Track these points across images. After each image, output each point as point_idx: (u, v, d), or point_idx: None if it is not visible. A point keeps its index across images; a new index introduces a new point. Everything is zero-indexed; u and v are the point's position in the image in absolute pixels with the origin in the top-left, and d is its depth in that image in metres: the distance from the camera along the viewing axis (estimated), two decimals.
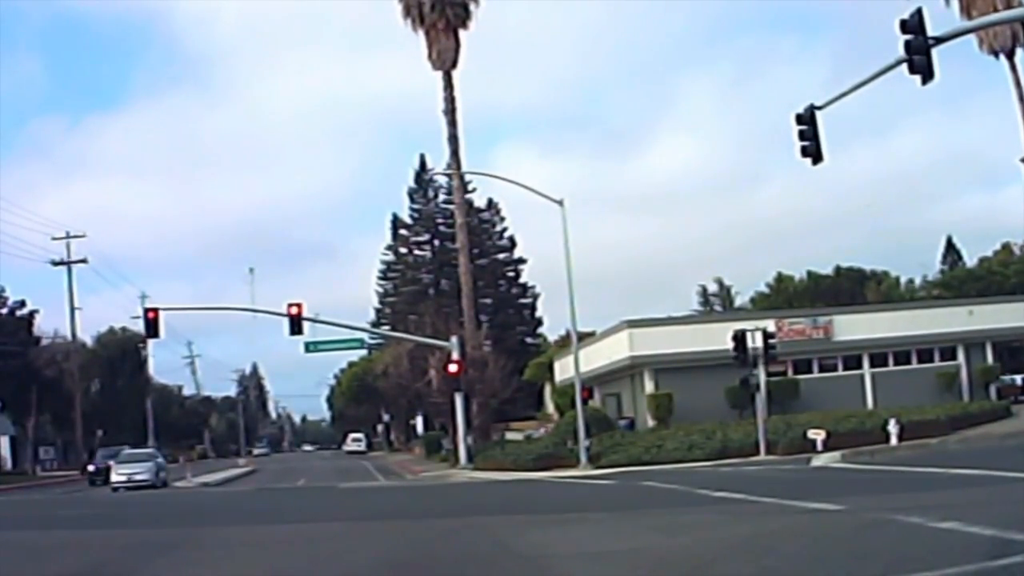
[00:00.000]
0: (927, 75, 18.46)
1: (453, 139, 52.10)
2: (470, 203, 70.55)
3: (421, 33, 51.93)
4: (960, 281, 65.53)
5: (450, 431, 50.39)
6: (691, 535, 12.67)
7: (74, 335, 66.70)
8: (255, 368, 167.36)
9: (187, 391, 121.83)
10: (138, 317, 65.54)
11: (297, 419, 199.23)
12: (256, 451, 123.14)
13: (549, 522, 15.73)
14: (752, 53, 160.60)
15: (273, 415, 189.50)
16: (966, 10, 46.21)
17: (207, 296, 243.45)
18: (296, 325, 40.03)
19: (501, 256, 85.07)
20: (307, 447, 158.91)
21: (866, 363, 47.38)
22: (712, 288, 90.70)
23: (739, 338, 34.34)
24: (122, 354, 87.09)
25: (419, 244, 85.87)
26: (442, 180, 76.45)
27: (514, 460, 38.78)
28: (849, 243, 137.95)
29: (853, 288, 70.73)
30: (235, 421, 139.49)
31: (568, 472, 34.26)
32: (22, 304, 66.12)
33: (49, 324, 71.74)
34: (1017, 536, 9.78)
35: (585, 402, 39.66)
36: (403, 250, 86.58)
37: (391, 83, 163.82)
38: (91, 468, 53.06)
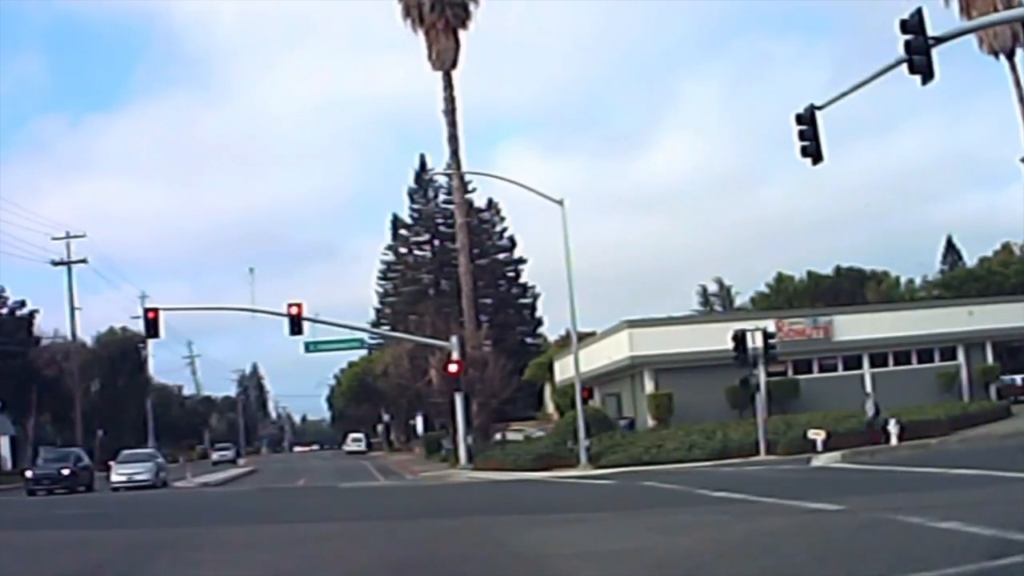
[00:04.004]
0: (927, 75, 18.45)
1: (453, 139, 52.12)
2: (470, 203, 70.53)
3: (421, 33, 51.96)
4: (960, 281, 65.59)
5: (450, 431, 50.39)
6: (691, 535, 12.67)
7: (74, 335, 66.64)
8: (255, 368, 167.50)
9: (187, 391, 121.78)
10: (138, 317, 65.50)
11: (297, 419, 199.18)
12: (214, 456, 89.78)
13: (549, 522, 15.72)
14: (753, 54, 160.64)
15: (273, 415, 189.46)
16: (966, 10, 46.23)
17: (207, 296, 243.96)
18: (296, 325, 40.02)
19: (501, 256, 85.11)
20: (299, 448, 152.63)
21: (866, 363, 47.42)
22: (712, 288, 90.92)
23: (739, 338, 34.35)
24: (122, 354, 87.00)
25: (419, 244, 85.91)
26: (442, 180, 76.59)
27: (514, 460, 38.79)
28: (849, 243, 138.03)
29: (853, 288, 70.82)
30: (235, 421, 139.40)
31: (568, 472, 34.26)
32: (22, 304, 66.05)
33: (49, 324, 71.84)
34: (1017, 536, 9.77)
35: (585, 402, 39.67)
36: (403, 250, 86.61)
37: (391, 83, 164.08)
38: (29, 475, 41.89)
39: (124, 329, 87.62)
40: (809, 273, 74.68)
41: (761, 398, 36.43)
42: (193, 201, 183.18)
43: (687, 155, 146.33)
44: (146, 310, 42.09)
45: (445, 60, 51.80)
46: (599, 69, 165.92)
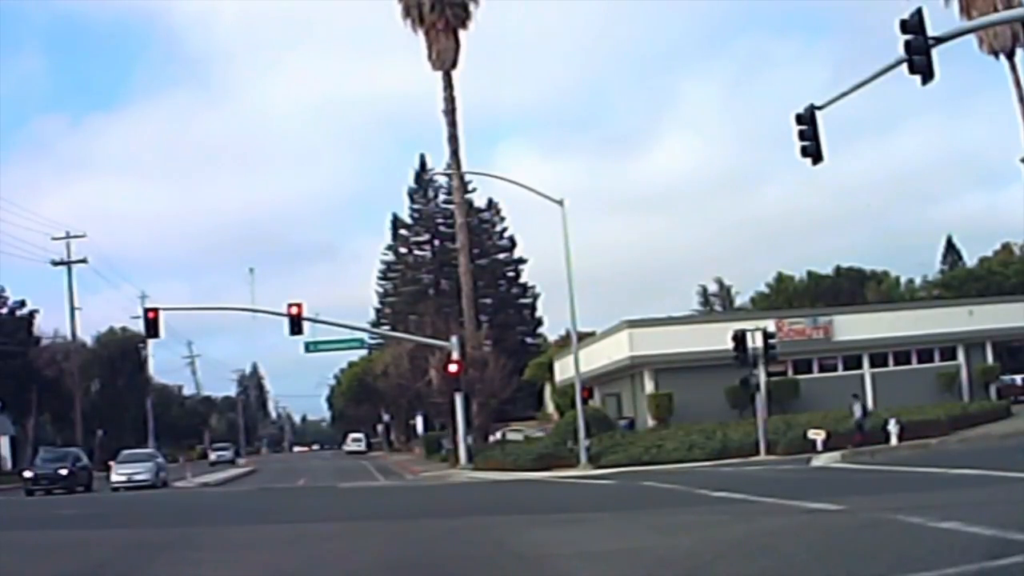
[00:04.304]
0: (927, 75, 18.45)
1: (453, 139, 52.12)
2: (470, 203, 70.57)
3: (421, 33, 51.96)
4: (960, 281, 65.59)
5: (450, 431, 50.40)
6: (691, 535, 12.67)
7: (74, 335, 66.65)
8: (255, 368, 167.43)
9: (187, 391, 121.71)
10: (138, 317, 65.41)
11: (297, 419, 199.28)
12: (212, 457, 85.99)
13: (549, 522, 15.72)
14: (753, 54, 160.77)
15: (273, 415, 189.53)
16: (966, 10, 46.24)
17: (207, 296, 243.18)
18: (296, 325, 40.01)
19: (501, 256, 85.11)
20: (298, 448, 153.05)
21: (866, 363, 47.41)
22: (712, 288, 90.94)
23: (739, 338, 34.35)
24: (122, 354, 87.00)
25: (419, 244, 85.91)
26: (442, 180, 76.57)
27: (514, 460, 38.80)
28: (849, 243, 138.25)
29: (853, 288, 70.80)
30: (235, 421, 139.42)
31: (568, 472, 34.27)
32: (22, 304, 66.06)
33: (49, 324, 71.85)
34: (1017, 536, 9.78)
35: (585, 402, 39.67)
36: (403, 250, 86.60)
37: (391, 83, 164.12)
38: (28, 475, 41.30)
39: (124, 329, 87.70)
40: (809, 273, 74.67)
41: (761, 398, 36.44)
42: (193, 201, 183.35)
43: (687, 155, 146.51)
44: (146, 310, 42.07)
45: (445, 60, 51.80)
46: (599, 69, 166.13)
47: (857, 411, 34.43)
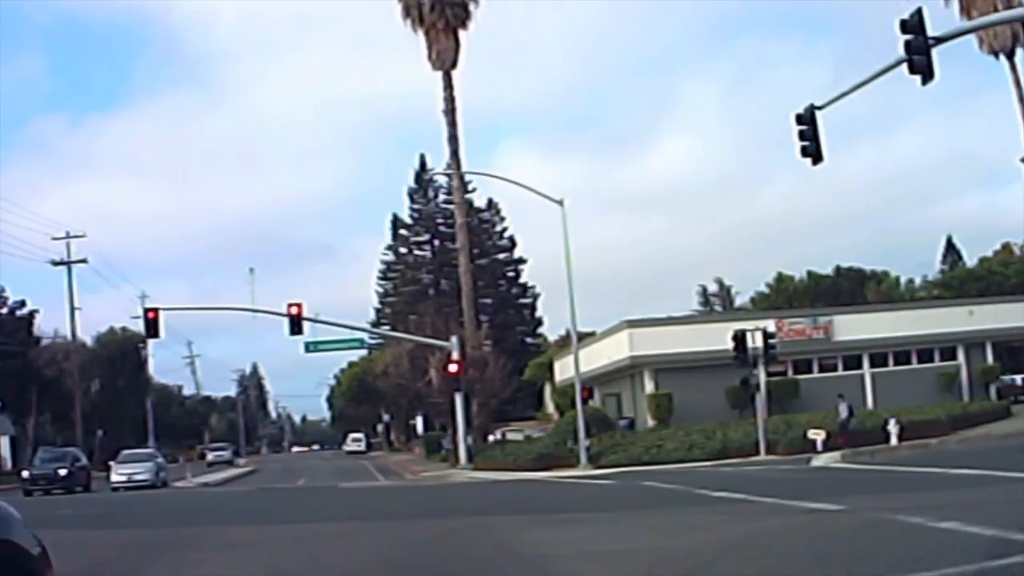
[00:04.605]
0: (927, 75, 18.44)
1: (453, 139, 52.13)
2: (470, 203, 70.55)
3: (421, 33, 51.98)
4: (960, 281, 65.59)
5: (450, 431, 50.40)
6: (691, 535, 12.67)
7: (74, 335, 66.60)
8: (255, 368, 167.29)
9: (187, 391, 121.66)
10: (138, 317, 65.29)
11: (297, 419, 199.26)
12: (210, 457, 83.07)
13: (549, 522, 15.72)
14: (753, 54, 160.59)
15: (273, 415, 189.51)
16: (966, 10, 46.24)
17: (207, 296, 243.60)
18: (296, 325, 40.01)
19: (501, 256, 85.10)
20: (297, 448, 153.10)
21: (866, 363, 47.41)
22: (712, 288, 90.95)
23: (739, 338, 34.35)
24: (122, 354, 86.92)
25: (419, 244, 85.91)
26: (442, 180, 76.51)
27: (514, 460, 38.81)
28: (849, 243, 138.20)
29: (853, 288, 70.78)
30: (235, 421, 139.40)
31: (568, 472, 34.28)
32: (22, 304, 66.13)
33: (49, 324, 71.79)
34: (1017, 536, 9.77)
35: (585, 402, 39.67)
36: (403, 250, 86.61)
37: (391, 83, 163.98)
38: (25, 475, 41.25)
39: (124, 329, 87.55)
40: (809, 273, 74.66)
41: (761, 398, 36.44)
42: (193, 201, 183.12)
43: (687, 155, 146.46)
44: (146, 310, 42.06)
45: (445, 60, 51.81)
46: (599, 69, 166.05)
47: (843, 411, 34.46)
